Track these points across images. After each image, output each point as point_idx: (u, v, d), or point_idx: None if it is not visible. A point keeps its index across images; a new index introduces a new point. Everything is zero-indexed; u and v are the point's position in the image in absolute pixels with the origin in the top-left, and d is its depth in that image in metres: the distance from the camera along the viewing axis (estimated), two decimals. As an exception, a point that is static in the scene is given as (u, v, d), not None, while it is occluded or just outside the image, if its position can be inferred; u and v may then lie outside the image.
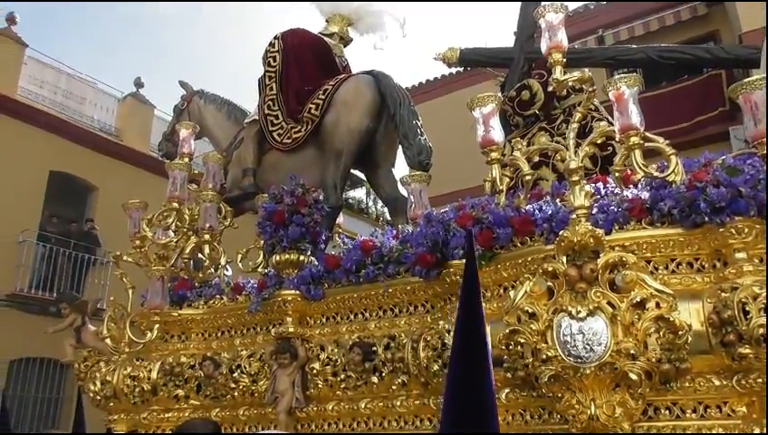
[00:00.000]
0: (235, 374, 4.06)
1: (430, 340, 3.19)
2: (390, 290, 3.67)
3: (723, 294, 2.54)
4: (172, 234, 4.76)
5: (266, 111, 5.34)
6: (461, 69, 12.12)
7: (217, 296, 4.47)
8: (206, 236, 4.58)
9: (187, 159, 4.90)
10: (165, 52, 37.01)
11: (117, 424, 4.50)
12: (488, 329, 2.98)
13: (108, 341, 4.44)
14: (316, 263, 4.01)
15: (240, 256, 4.59)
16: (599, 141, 3.37)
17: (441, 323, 3.19)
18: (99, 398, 4.48)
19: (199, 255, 4.87)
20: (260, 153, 5.36)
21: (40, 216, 11.58)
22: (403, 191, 4.65)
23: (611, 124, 3.41)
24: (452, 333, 3.06)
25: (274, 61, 5.51)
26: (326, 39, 5.71)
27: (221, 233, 4.85)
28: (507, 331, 2.81)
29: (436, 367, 3.14)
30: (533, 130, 4.85)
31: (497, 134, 3.31)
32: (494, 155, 3.28)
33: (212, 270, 4.75)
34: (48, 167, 11.68)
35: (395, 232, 3.93)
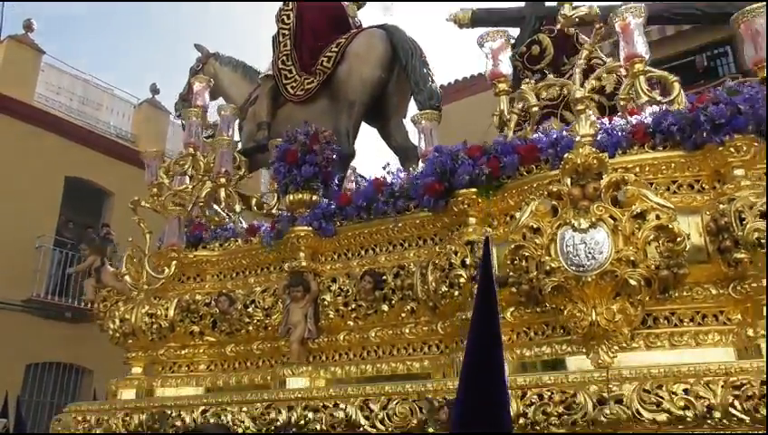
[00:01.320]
0: (250, 309, 4.19)
1: (438, 262, 3.30)
2: (400, 224, 3.79)
3: (721, 206, 2.65)
4: (188, 180, 4.91)
5: (280, 66, 5.47)
6: (472, 74, 12.21)
7: (232, 238, 4.60)
8: (222, 180, 4.72)
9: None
10: (179, 56, 37.22)
11: (135, 361, 4.66)
12: (494, 251, 3.14)
13: (127, 278, 4.59)
14: (328, 201, 4.13)
15: (254, 199, 4.72)
16: (604, 75, 3.49)
17: (449, 246, 3.30)
18: (118, 335, 4.63)
19: (214, 206, 5.02)
20: (274, 107, 5.50)
21: (56, 221, 11.70)
22: (414, 141, 4.77)
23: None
24: (459, 255, 3.20)
25: (288, 18, 5.64)
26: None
27: (237, 181, 4.99)
28: (512, 247, 2.93)
29: (444, 288, 3.25)
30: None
31: (505, 67, 3.42)
32: (502, 86, 3.40)
33: (227, 216, 4.89)
34: (64, 172, 11.81)
35: (405, 174, 4.04)
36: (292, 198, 4.17)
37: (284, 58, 5.46)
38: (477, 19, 5.92)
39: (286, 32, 5.60)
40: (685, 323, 2.74)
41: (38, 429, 10.31)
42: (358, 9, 6.13)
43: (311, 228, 4.03)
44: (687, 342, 2.68)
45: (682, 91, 3.09)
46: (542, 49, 5.09)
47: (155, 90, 14.19)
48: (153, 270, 4.59)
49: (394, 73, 5.09)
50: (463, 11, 5.97)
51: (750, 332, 2.55)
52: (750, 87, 2.82)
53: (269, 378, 3.85)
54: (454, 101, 13.51)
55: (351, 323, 3.81)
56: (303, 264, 3.98)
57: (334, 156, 4.22)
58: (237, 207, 4.91)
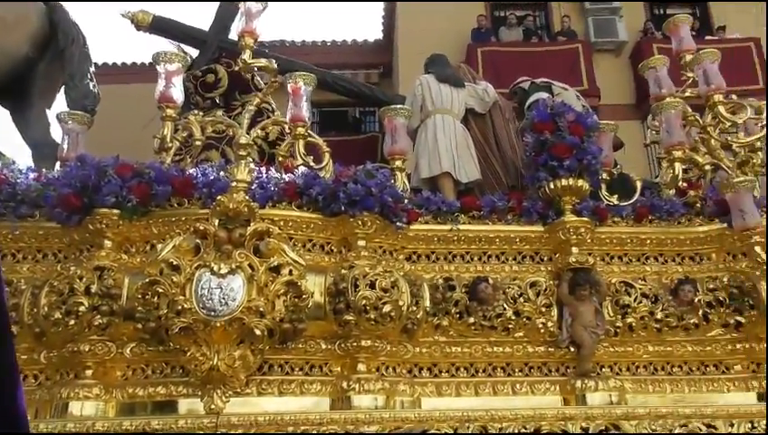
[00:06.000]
0: None
1: (57, 285, 2.92)
2: (18, 232, 3.25)
3: (342, 271, 3.01)
4: None
5: None
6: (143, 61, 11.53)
7: None
8: None
9: None
10: None
11: None
12: (126, 280, 2.95)
13: None
14: None
15: None
16: (270, 128, 3.68)
17: (73, 268, 2.96)
18: None
19: None
20: None
21: None
22: (56, 137, 4.21)
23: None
24: (84, 280, 2.90)
25: None
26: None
27: None
28: (146, 281, 2.79)
29: (57, 315, 2.88)
30: (212, 114, 4.96)
31: (177, 93, 3.31)
32: (170, 112, 3.28)
33: None
34: None
35: (37, 174, 3.51)
36: None
37: None
38: (158, 27, 5.65)
39: None
40: (295, 372, 2.99)
41: None
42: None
43: None
44: (293, 390, 2.92)
45: (331, 162, 3.46)
46: (216, 79, 5.13)
47: None
48: None
49: (47, 57, 4.43)
50: (143, 12, 5.63)
51: (344, 384, 2.92)
52: (383, 173, 3.30)
53: None
54: (113, 83, 12.45)
55: None
56: None
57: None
58: None
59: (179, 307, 2.73)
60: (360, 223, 3.15)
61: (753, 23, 10.63)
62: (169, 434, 2.63)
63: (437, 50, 5.33)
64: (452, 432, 2.78)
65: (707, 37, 10.12)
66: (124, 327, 2.92)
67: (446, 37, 10.15)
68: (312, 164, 3.35)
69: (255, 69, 3.70)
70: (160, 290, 2.77)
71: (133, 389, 2.89)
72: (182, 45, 6.02)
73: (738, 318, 3.32)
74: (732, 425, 3.04)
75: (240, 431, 2.61)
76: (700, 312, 3.31)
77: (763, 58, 9.99)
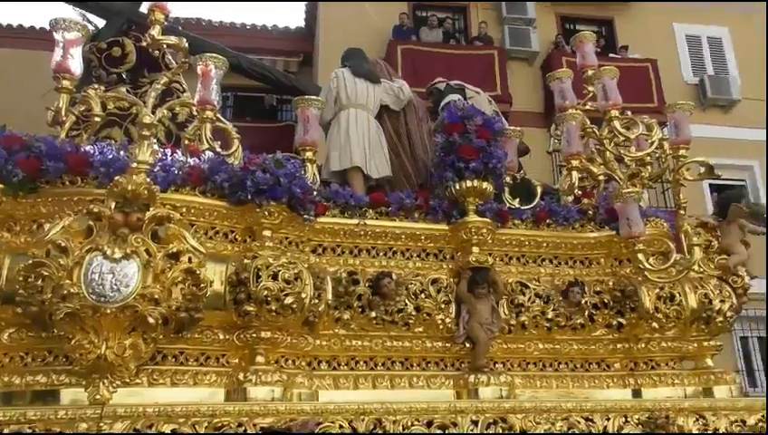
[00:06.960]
0: None
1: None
2: None
3: (245, 261, 2.95)
4: None
5: None
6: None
7: None
8: None
9: None
10: None
11: None
12: (7, 261, 2.76)
13: None
14: None
15: None
16: (177, 109, 3.54)
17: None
18: None
19: None
20: None
21: None
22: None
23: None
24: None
25: None
26: None
27: None
28: (31, 262, 2.61)
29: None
30: (116, 90, 4.70)
31: (75, 64, 3.12)
32: (66, 84, 3.08)
33: None
34: None
35: None
36: None
37: None
38: (63, -10, 5.29)
39: None
40: (189, 363, 2.91)
41: None
42: None
43: None
44: (187, 381, 2.84)
45: (240, 148, 3.38)
46: (123, 53, 4.86)
47: None
48: None
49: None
50: (45, -25, 5.25)
51: (241, 376, 2.87)
52: (293, 163, 3.26)
53: None
54: (15, 47, 11.51)
55: None
56: None
57: None
58: None
59: (65, 292, 2.56)
60: (266, 213, 3.10)
61: (653, 46, 11.43)
62: (47, 433, 2.47)
63: (359, 43, 5.33)
64: (347, 425, 2.80)
65: (611, 55, 10.78)
66: (2, 311, 2.72)
67: (368, 31, 10.21)
68: (218, 149, 3.25)
69: (165, 46, 3.54)
70: (45, 273, 2.60)
71: (10, 377, 2.70)
72: (88, 14, 5.72)
73: (620, 320, 3.56)
74: (608, 419, 3.25)
75: (127, 423, 2.49)
76: (586, 313, 3.52)
77: (659, 79, 10.75)
